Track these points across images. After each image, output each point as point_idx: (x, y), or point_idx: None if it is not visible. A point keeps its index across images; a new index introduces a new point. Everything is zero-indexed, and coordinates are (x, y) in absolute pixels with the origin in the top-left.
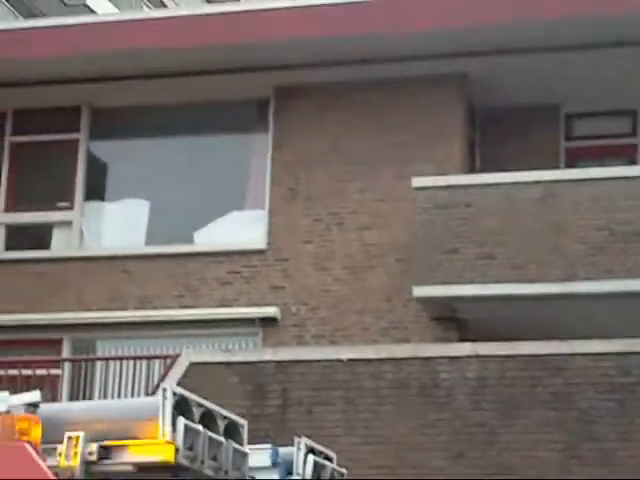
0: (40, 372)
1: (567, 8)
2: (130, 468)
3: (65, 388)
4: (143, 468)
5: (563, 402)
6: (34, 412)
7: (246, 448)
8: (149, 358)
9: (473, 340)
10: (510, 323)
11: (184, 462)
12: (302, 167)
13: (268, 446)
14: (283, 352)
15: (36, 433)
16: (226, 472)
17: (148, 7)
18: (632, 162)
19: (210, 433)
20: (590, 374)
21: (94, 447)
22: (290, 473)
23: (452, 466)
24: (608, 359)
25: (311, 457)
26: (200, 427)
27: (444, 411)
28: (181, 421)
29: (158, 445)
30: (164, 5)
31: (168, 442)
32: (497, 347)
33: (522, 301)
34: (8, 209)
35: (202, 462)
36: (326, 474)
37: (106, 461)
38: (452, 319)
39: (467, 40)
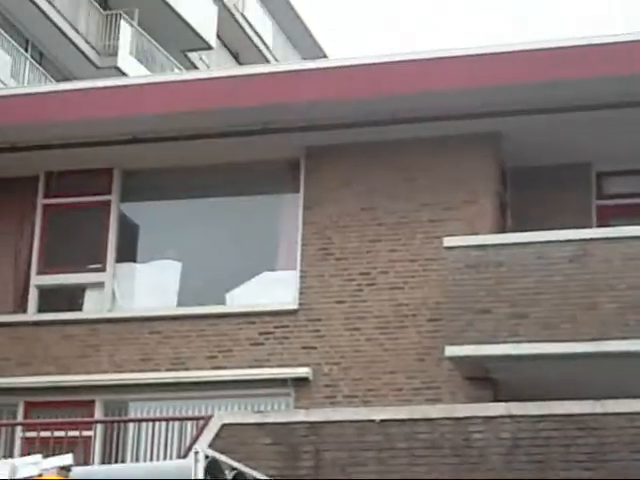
0: (72, 434)
1: (598, 67)
2: None
3: (97, 450)
4: None
5: (597, 462)
6: (67, 475)
7: None
8: (181, 419)
9: (506, 400)
10: (543, 382)
11: None
12: (333, 227)
13: None
14: (315, 413)
15: None
16: None
17: (179, 69)
18: None
19: None
20: (624, 434)
21: None
22: None
23: None
24: None
25: None
26: None
27: (478, 471)
28: None
29: None
30: (195, 67)
31: None
32: (530, 407)
33: (555, 360)
34: (40, 271)
35: None
36: None
37: None
38: (485, 379)
39: (499, 99)
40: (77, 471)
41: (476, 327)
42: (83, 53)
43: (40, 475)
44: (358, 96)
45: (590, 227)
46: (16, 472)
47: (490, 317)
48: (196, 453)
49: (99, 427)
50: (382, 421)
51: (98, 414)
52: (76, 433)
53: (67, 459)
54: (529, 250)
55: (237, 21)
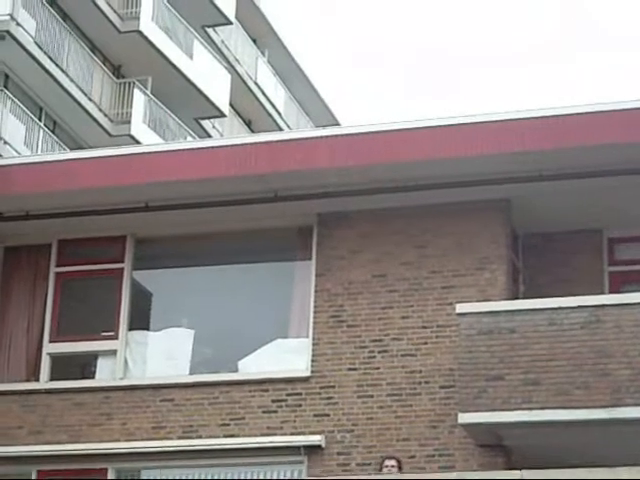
0: None
1: (608, 134)
2: None
3: None
4: None
5: None
6: None
7: None
8: None
9: (520, 467)
10: (557, 449)
11: None
12: (345, 294)
13: None
14: None
15: None
16: None
17: (192, 137)
18: None
19: None
20: None
21: None
22: None
23: None
24: None
25: None
26: None
27: None
28: None
29: None
30: (208, 135)
31: None
32: (544, 474)
33: (568, 427)
34: (53, 339)
35: None
36: None
37: None
38: (498, 445)
39: (509, 166)
40: None
41: (489, 394)
42: (96, 121)
43: None
44: (369, 163)
45: (602, 293)
46: None
47: (503, 384)
48: None
49: None
50: None
51: None
52: None
53: None
54: (541, 316)
55: (250, 89)
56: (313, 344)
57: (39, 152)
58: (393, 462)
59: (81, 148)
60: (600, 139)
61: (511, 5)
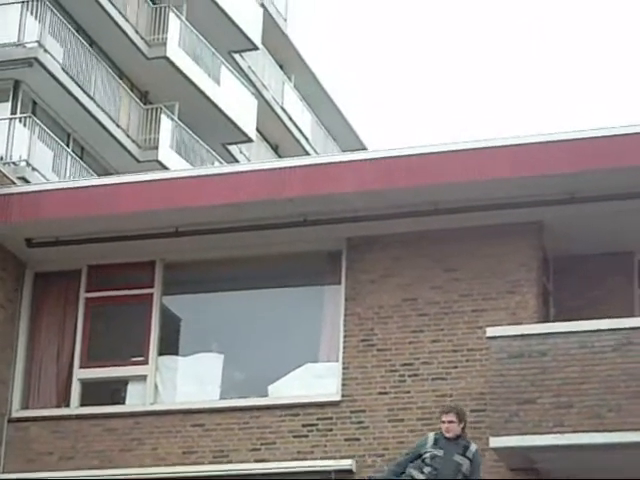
0: None
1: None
2: None
3: None
4: None
5: None
6: None
7: None
8: None
9: None
10: (589, 472)
11: None
12: (375, 318)
13: None
14: None
15: None
16: None
17: (219, 162)
18: None
19: None
20: None
21: None
22: None
23: None
24: None
25: None
26: None
27: None
28: None
29: None
30: (236, 160)
31: None
32: None
33: (601, 450)
34: (83, 365)
35: None
36: None
37: None
38: (530, 469)
39: (540, 189)
40: None
41: (520, 417)
42: (124, 147)
43: None
44: (399, 186)
45: (634, 316)
46: None
47: (534, 407)
48: None
49: None
50: None
51: None
52: None
53: None
54: (573, 339)
55: (276, 114)
56: (343, 368)
57: (67, 178)
58: (451, 417)
59: (109, 174)
60: (633, 161)
61: (545, 28)
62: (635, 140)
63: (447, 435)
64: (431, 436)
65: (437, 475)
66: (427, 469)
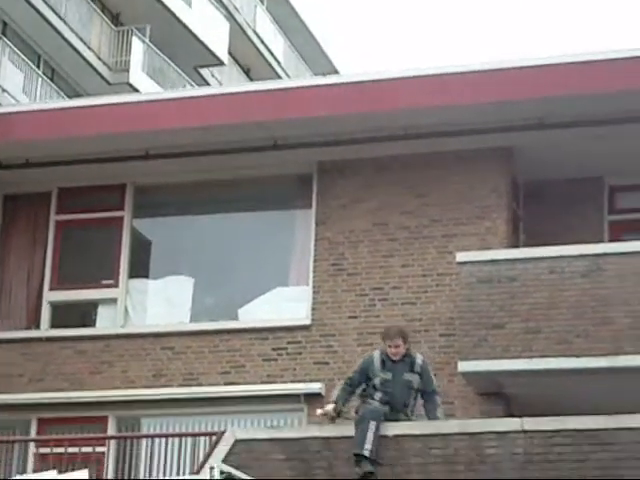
0: (86, 450)
1: (610, 82)
2: None
3: (110, 466)
4: None
5: (611, 477)
6: None
7: None
8: (194, 435)
9: (519, 415)
10: (556, 397)
11: None
12: (346, 243)
13: None
14: (329, 428)
15: None
16: None
17: (191, 85)
18: None
19: None
20: (638, 448)
21: None
22: None
23: None
24: None
25: None
26: None
27: None
28: None
29: None
30: (207, 83)
31: None
32: (544, 422)
33: (568, 375)
34: (53, 287)
35: None
36: None
37: None
38: (498, 394)
39: (510, 114)
40: None
41: (489, 342)
42: (95, 69)
43: None
44: (369, 111)
45: (603, 242)
46: None
47: (503, 332)
48: (211, 468)
49: (112, 443)
50: (395, 436)
51: (111, 430)
52: (89, 449)
53: (83, 474)
54: (542, 265)
55: (249, 37)
56: (313, 292)
57: (38, 100)
58: (398, 341)
59: (80, 96)
60: (602, 87)
61: None
62: (604, 66)
63: (394, 358)
64: (377, 356)
65: (391, 399)
66: (378, 395)
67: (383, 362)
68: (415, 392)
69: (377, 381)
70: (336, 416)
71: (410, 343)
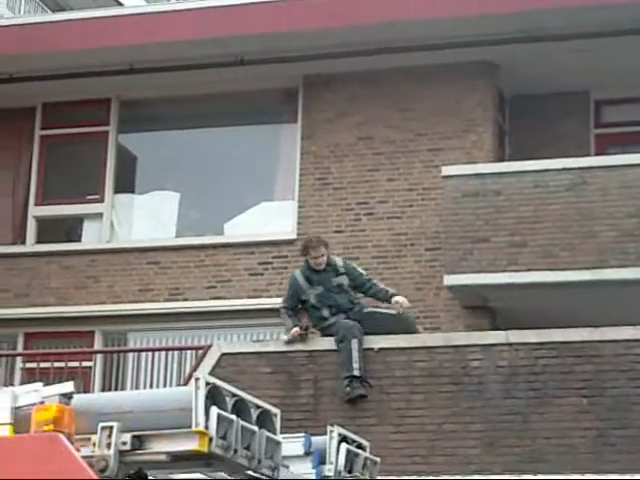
0: (72, 364)
1: None
2: (163, 457)
3: (97, 380)
4: (176, 457)
5: (594, 389)
6: (68, 403)
7: (279, 437)
8: (180, 349)
9: (504, 328)
10: (541, 311)
11: (217, 451)
12: (331, 157)
13: (301, 435)
14: (314, 342)
15: (70, 423)
16: (259, 461)
17: None
18: None
19: (243, 422)
20: (622, 361)
21: (127, 437)
22: (323, 462)
23: (484, 454)
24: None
25: (344, 445)
26: (233, 416)
27: (476, 399)
28: (214, 410)
29: (191, 434)
30: None
31: (201, 431)
32: (529, 335)
33: (553, 289)
34: (38, 202)
35: (235, 451)
36: (359, 462)
37: (139, 451)
38: (483, 307)
39: (496, 27)
40: (78, 398)
41: (475, 256)
42: None
43: (42, 402)
44: (355, 24)
45: (588, 155)
46: (17, 399)
47: (489, 246)
48: (197, 380)
49: (99, 358)
50: (381, 349)
51: (97, 345)
52: (76, 364)
53: (68, 387)
54: (527, 179)
55: None
56: (299, 207)
57: (22, 14)
58: (322, 251)
59: (64, 10)
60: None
61: None
62: None
63: (318, 268)
64: (299, 276)
65: (337, 308)
66: (325, 311)
67: (308, 279)
68: (352, 290)
69: (312, 299)
70: (305, 334)
71: (329, 250)
